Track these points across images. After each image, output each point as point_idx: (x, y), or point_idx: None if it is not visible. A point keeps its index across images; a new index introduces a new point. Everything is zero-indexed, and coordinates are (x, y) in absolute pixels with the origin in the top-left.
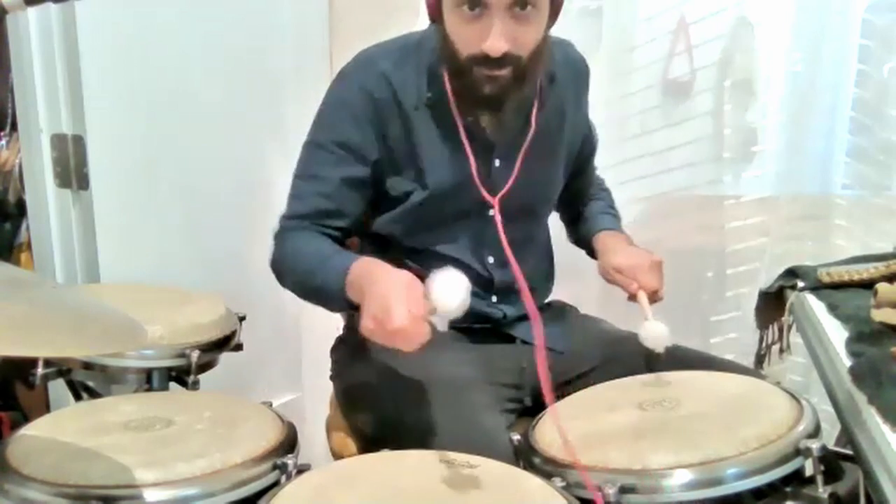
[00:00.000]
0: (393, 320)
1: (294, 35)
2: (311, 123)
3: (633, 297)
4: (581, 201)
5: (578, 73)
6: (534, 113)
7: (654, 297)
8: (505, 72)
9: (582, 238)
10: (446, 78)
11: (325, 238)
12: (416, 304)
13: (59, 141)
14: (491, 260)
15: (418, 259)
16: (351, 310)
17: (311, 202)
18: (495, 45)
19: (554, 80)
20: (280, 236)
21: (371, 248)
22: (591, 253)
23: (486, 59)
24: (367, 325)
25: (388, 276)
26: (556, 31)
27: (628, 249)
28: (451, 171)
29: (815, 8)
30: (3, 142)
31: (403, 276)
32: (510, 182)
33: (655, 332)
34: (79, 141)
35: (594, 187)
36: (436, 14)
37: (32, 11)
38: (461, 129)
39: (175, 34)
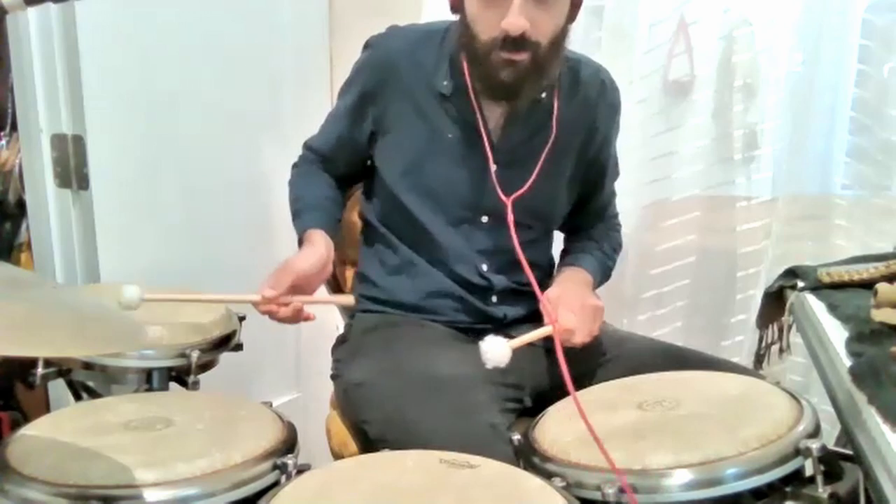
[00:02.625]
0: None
1: (294, 35)
2: None
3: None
4: (576, 236)
5: (604, 96)
6: (553, 121)
7: (566, 337)
8: (523, 57)
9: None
10: (465, 67)
11: (321, 178)
12: (275, 284)
13: (59, 141)
14: (485, 267)
15: (417, 261)
16: None
17: (320, 142)
18: (514, 22)
19: (575, 94)
20: (299, 160)
21: (372, 240)
22: None
23: (505, 42)
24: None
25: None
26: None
27: (573, 287)
28: (442, 163)
29: (815, 8)
30: (3, 142)
31: (287, 261)
32: (526, 186)
33: (491, 352)
34: (79, 141)
35: (598, 228)
36: (457, 2)
37: (32, 11)
38: (466, 126)
39: (175, 34)
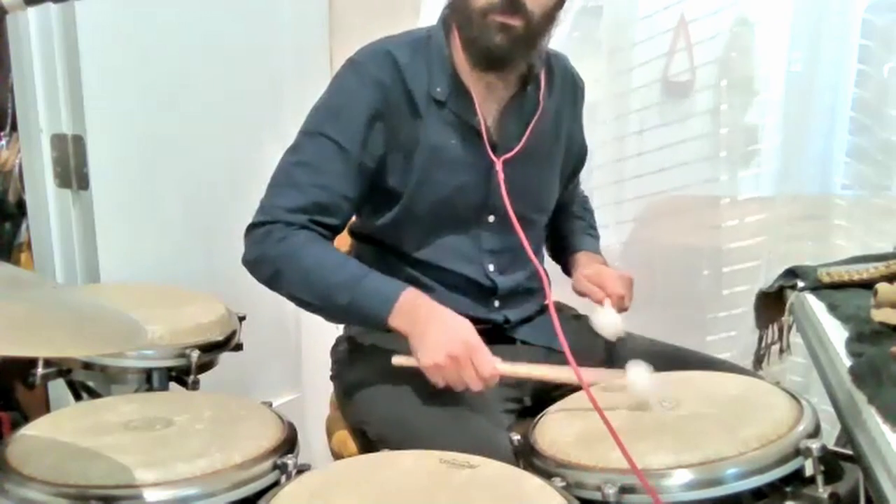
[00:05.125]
0: (484, 368)
1: (294, 35)
2: (315, 110)
3: (600, 304)
4: (562, 217)
5: (574, 86)
6: (541, 93)
7: (619, 304)
8: (518, 22)
9: (559, 255)
10: (457, 37)
11: (330, 244)
12: (487, 352)
13: (59, 141)
14: (491, 268)
15: (417, 268)
16: (380, 330)
17: (309, 194)
18: None
19: (553, 84)
20: (275, 231)
21: (369, 256)
22: (566, 270)
23: (501, 4)
24: (438, 361)
25: (454, 318)
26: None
27: (601, 266)
28: (450, 171)
29: (815, 8)
30: (3, 142)
31: (463, 333)
32: (519, 146)
33: (607, 319)
34: (79, 141)
35: (577, 204)
36: None
37: (32, 11)
38: (466, 130)
39: (175, 34)
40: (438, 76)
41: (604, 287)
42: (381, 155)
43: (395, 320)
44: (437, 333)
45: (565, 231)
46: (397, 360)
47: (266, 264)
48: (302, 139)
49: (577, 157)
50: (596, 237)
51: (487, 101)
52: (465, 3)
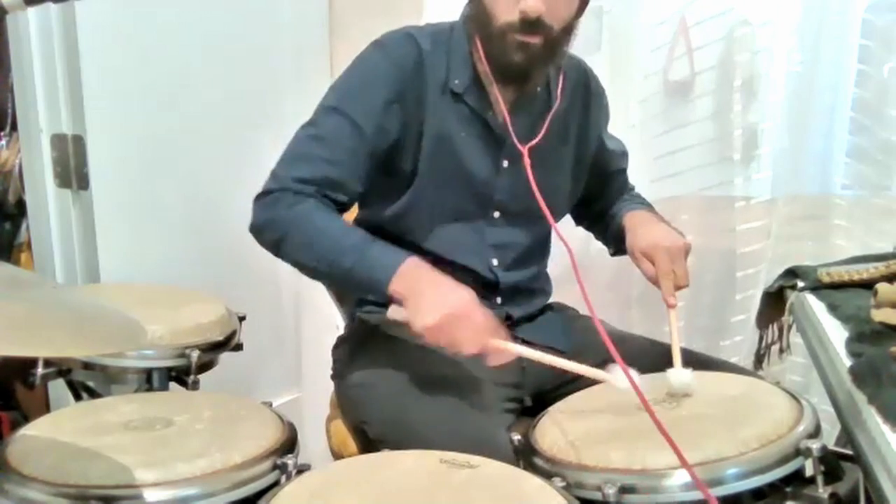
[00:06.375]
0: (479, 323)
1: (294, 35)
2: (336, 87)
3: (655, 282)
4: (613, 205)
5: (587, 91)
6: (553, 95)
7: (678, 285)
8: (537, 40)
9: (614, 233)
10: (478, 53)
11: (338, 214)
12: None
13: (59, 141)
14: (495, 262)
15: (421, 259)
16: (376, 297)
17: (318, 168)
18: (534, 5)
19: (563, 89)
20: (285, 198)
21: None
22: (622, 241)
23: (520, 25)
24: (436, 321)
25: (455, 283)
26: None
27: (653, 227)
28: (458, 162)
29: (815, 8)
30: (3, 142)
31: (468, 289)
32: (539, 136)
33: (680, 381)
34: (79, 141)
35: (626, 194)
36: None
37: (32, 11)
38: (479, 124)
39: (175, 34)
40: (458, 69)
41: (657, 266)
42: (394, 139)
43: (396, 284)
44: (436, 294)
45: (613, 211)
46: (393, 312)
47: (274, 228)
48: (319, 114)
49: (597, 160)
50: (647, 205)
51: (499, 99)
52: (486, 20)
